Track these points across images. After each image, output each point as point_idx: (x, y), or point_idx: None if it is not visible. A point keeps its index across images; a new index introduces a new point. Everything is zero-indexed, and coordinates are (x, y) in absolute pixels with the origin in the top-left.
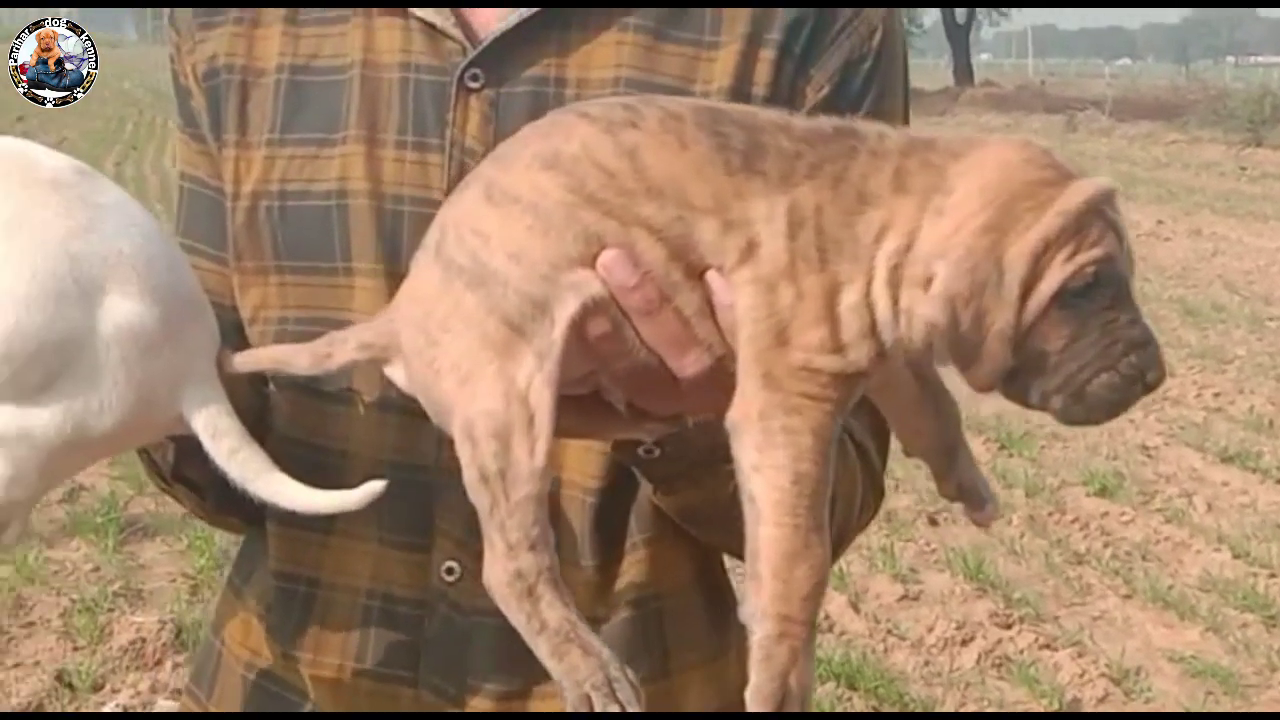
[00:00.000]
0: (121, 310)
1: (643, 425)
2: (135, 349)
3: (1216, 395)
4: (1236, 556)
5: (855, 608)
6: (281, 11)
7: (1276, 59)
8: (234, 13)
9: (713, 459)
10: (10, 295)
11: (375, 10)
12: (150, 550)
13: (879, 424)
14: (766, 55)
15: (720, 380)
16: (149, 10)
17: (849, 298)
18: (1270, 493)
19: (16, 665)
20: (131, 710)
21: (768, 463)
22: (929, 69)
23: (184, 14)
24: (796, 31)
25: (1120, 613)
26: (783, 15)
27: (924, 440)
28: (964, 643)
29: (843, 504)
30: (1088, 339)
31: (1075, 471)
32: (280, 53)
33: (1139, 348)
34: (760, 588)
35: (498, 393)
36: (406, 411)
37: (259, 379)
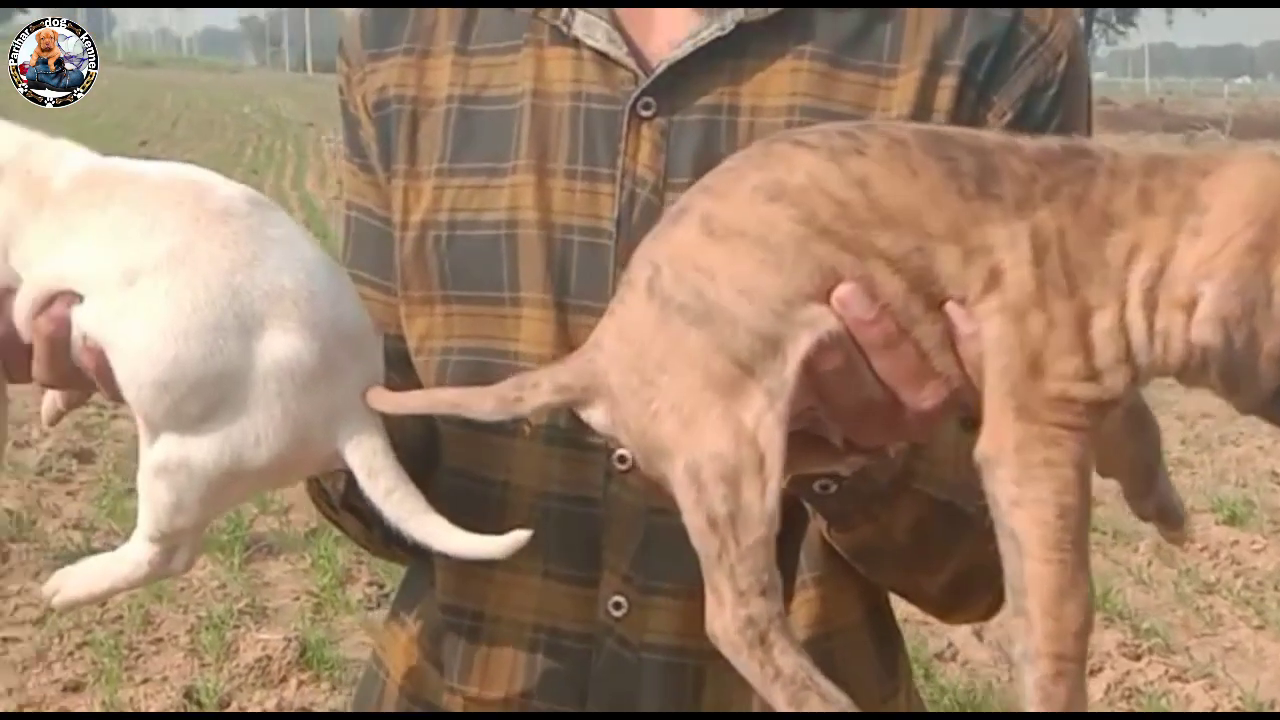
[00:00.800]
0: (279, 345)
1: (846, 459)
2: (292, 384)
3: None
4: None
5: (979, 636)
6: (452, 42)
7: None
8: (404, 43)
9: (890, 493)
10: (171, 327)
11: (546, 40)
12: (274, 568)
13: None
14: (948, 82)
15: (949, 412)
16: (267, 38)
17: (1102, 323)
18: None
19: (145, 681)
20: None
21: (1030, 497)
22: None
23: (354, 45)
24: (979, 58)
25: (1252, 644)
26: (965, 41)
27: (1124, 459)
28: (1092, 673)
29: None
30: None
31: (1204, 499)
32: (450, 83)
33: None
34: (1031, 627)
35: (725, 434)
36: (573, 444)
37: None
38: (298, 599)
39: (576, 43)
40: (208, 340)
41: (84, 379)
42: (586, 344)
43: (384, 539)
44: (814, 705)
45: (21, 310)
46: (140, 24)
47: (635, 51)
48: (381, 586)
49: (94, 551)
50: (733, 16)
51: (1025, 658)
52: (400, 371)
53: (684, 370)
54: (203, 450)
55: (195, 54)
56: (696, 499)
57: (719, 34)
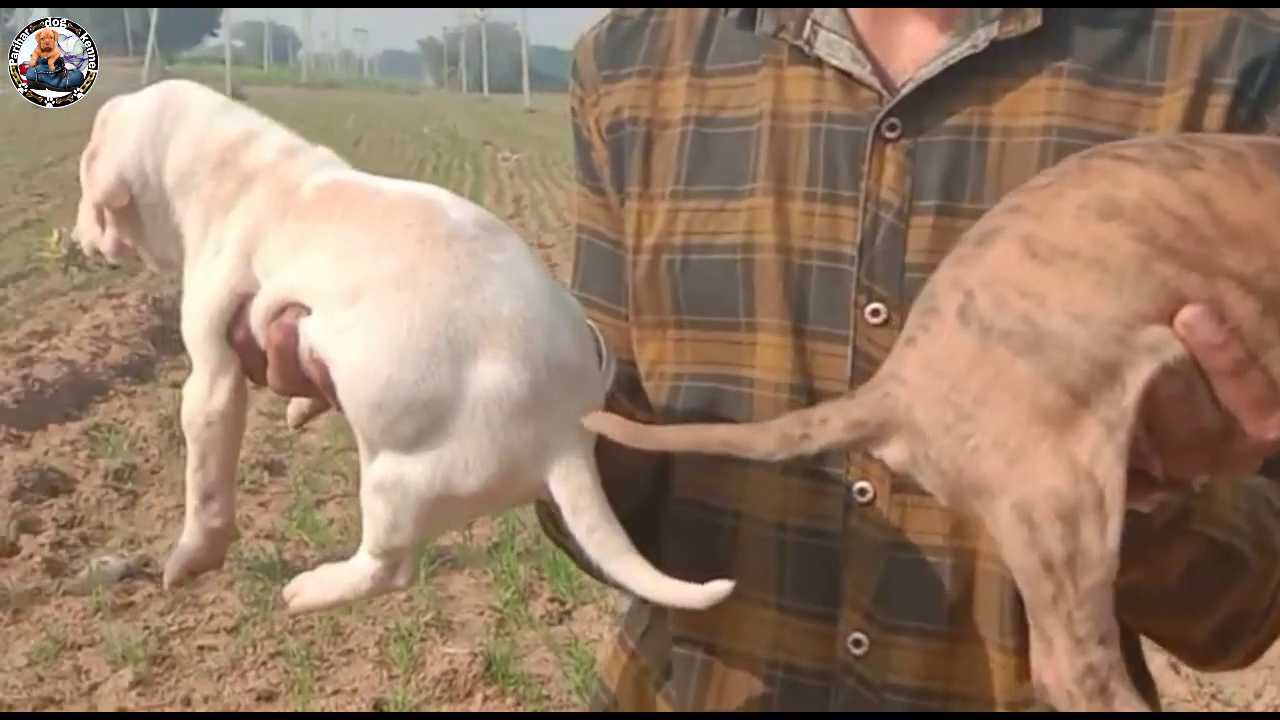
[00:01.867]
0: (489, 375)
1: (1151, 494)
2: (499, 414)
3: None
4: None
5: (1175, 669)
6: (688, 63)
7: None
8: (639, 65)
9: (1167, 534)
10: (387, 348)
11: (786, 60)
12: (458, 582)
13: None
14: (1219, 101)
15: None
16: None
17: None
18: None
19: (336, 693)
20: None
21: None
22: None
23: (588, 67)
24: (1253, 75)
25: None
26: (1236, 57)
27: None
28: None
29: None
30: None
31: None
32: (686, 104)
33: None
34: None
35: (1060, 470)
36: (812, 474)
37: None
38: (481, 613)
39: (818, 63)
40: (421, 364)
41: (314, 388)
42: (879, 376)
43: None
44: None
45: (256, 316)
46: (324, 47)
47: (879, 70)
48: (563, 603)
49: (285, 563)
50: (986, 34)
51: None
52: (630, 396)
53: (1008, 402)
54: (416, 471)
55: (376, 75)
56: (1028, 540)
57: (971, 52)
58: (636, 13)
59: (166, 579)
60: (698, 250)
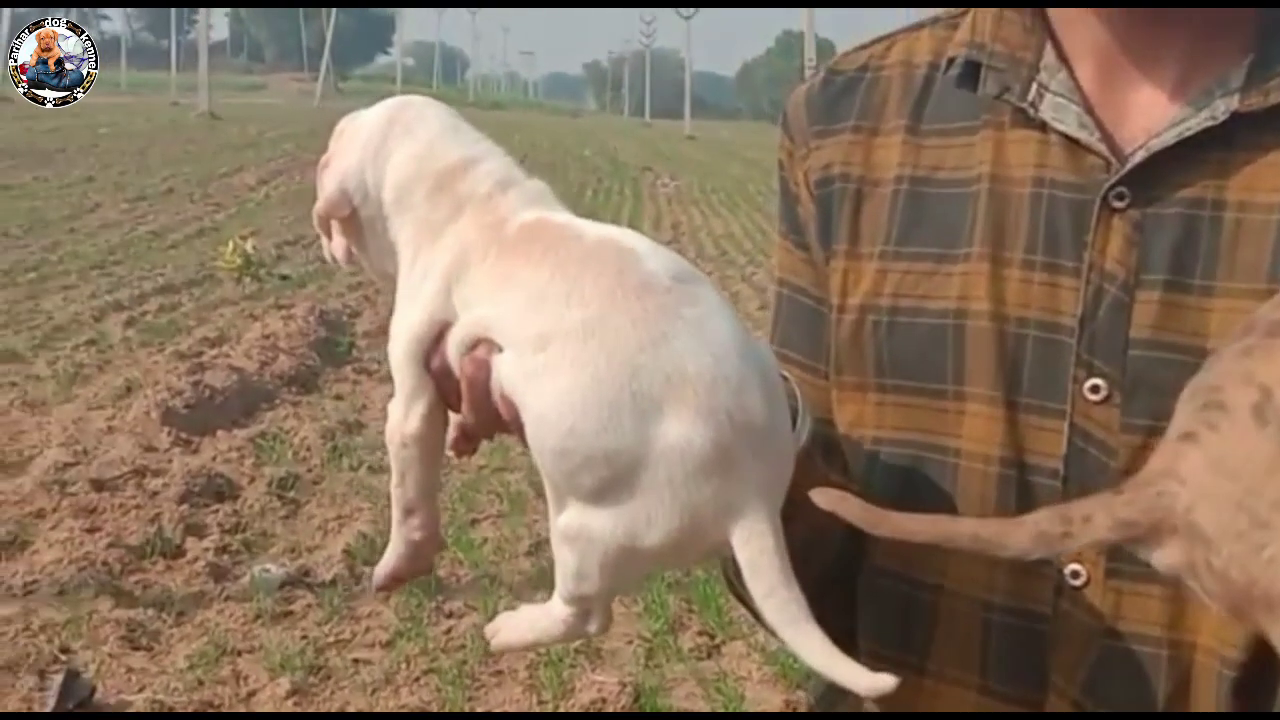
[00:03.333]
0: (673, 431)
1: None
2: (682, 471)
3: None
4: None
5: None
6: (903, 121)
7: None
8: (852, 121)
9: None
10: (570, 397)
11: (1008, 122)
12: None
13: None
14: None
15: None
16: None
17: None
18: None
19: (486, 714)
20: None
21: None
22: None
23: (799, 121)
24: None
25: None
26: None
27: None
28: None
29: None
30: None
31: None
32: (900, 163)
33: None
34: None
35: None
36: None
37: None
38: (630, 643)
39: (1043, 126)
40: (604, 416)
41: (506, 426)
42: (1150, 473)
43: None
44: None
45: (451, 347)
46: (490, 68)
47: (1107, 138)
48: (712, 636)
49: (440, 580)
50: (1226, 105)
51: None
52: (826, 455)
53: None
54: (599, 522)
55: (540, 97)
56: None
57: (1210, 123)
58: (852, 66)
59: (374, 584)
60: (906, 313)
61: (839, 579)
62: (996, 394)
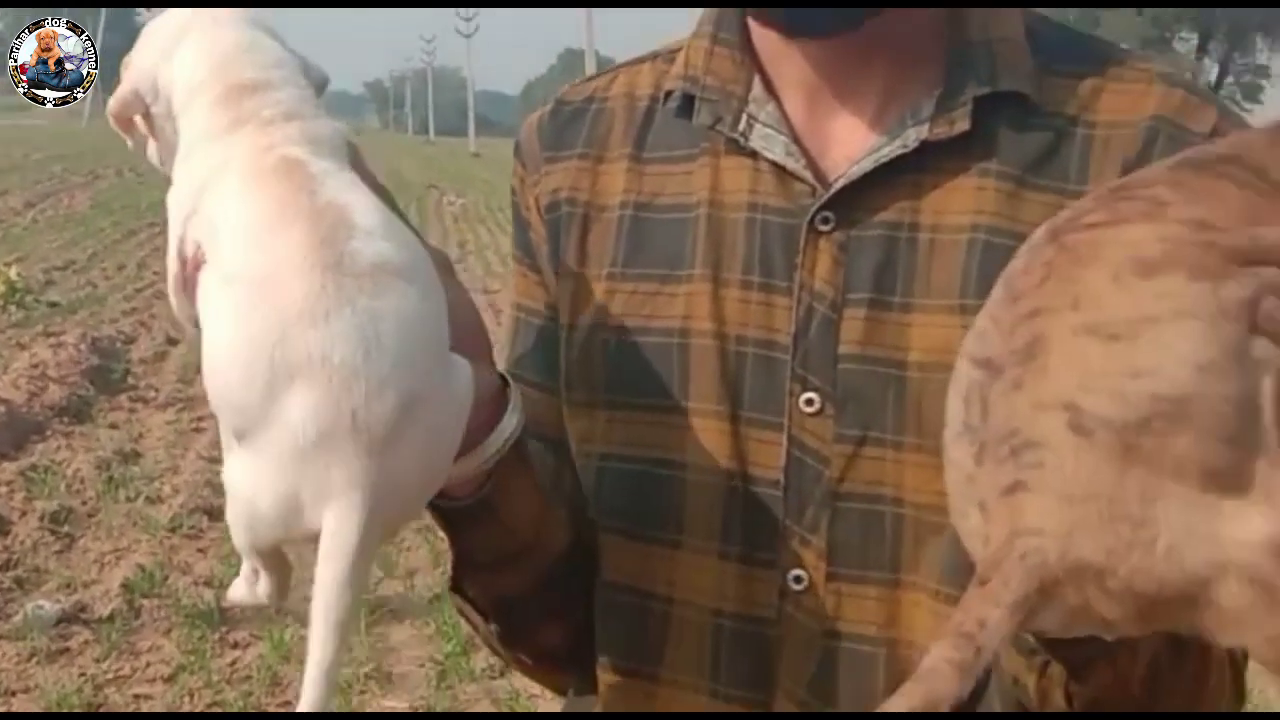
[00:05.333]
0: (295, 408)
1: None
2: (290, 448)
3: None
4: None
5: None
6: (627, 149)
7: None
8: (579, 149)
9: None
10: (226, 343)
11: (723, 151)
12: (399, 633)
13: None
14: None
15: None
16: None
17: None
18: None
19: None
20: None
21: None
22: None
23: (531, 147)
24: None
25: None
26: (1156, 162)
27: None
28: None
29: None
30: None
31: None
32: (625, 189)
33: None
34: None
35: (1262, 517)
36: (746, 560)
37: (577, 516)
38: (422, 665)
39: (754, 154)
40: (244, 371)
41: None
42: (997, 545)
43: (503, 636)
44: None
45: (185, 232)
46: None
47: (813, 165)
48: None
49: (223, 611)
50: (916, 134)
51: None
52: (555, 472)
53: (1178, 486)
54: (234, 472)
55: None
56: (1273, 601)
57: (902, 151)
58: (579, 97)
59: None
60: (633, 332)
61: (557, 584)
62: (720, 409)
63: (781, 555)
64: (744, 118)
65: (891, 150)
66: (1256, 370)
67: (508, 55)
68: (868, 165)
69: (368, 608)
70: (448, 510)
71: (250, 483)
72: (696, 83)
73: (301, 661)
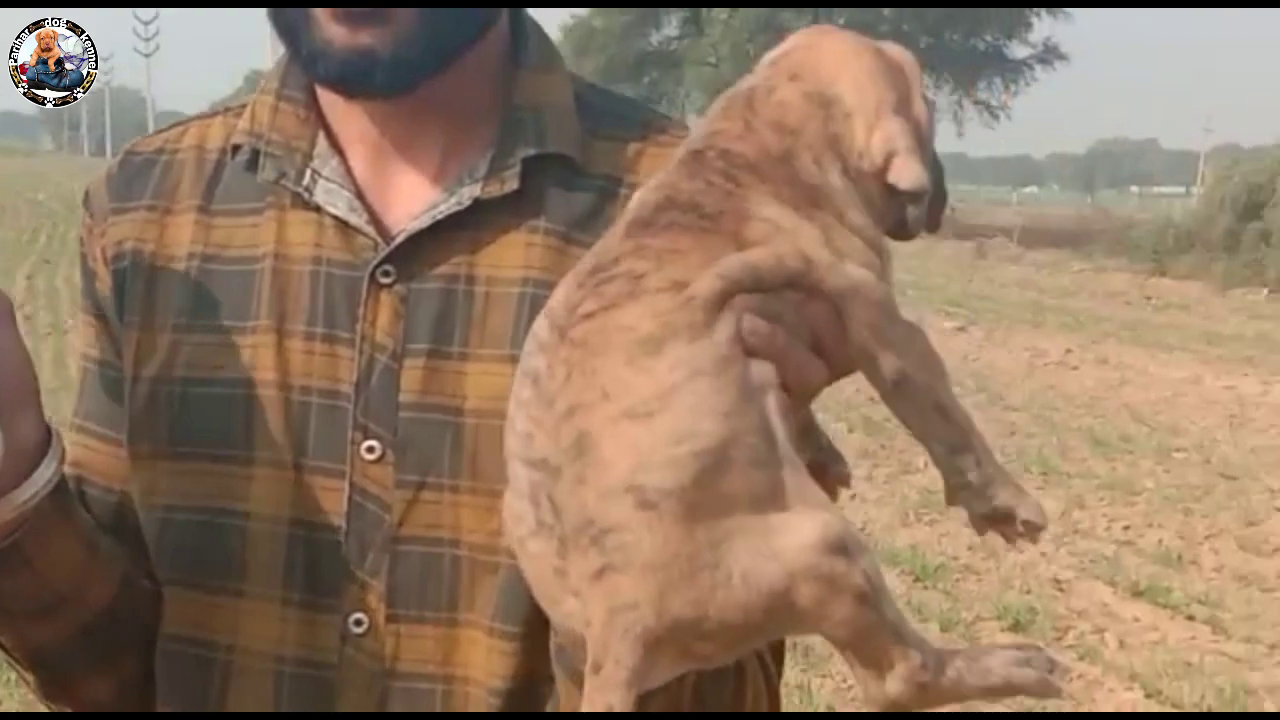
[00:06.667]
0: None
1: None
2: None
3: (1126, 528)
4: (1149, 695)
5: None
6: (195, 201)
7: (1179, 189)
8: (147, 200)
9: None
10: None
11: (289, 204)
12: None
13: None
14: None
15: None
16: (65, 120)
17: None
18: (1180, 629)
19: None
20: None
21: None
22: None
23: (99, 198)
24: None
25: None
26: None
27: None
28: None
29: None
30: None
31: (989, 606)
32: (192, 241)
33: None
34: None
35: (800, 524)
36: (308, 605)
37: (138, 569)
38: None
39: (319, 209)
40: None
41: None
42: (601, 628)
43: (44, 686)
44: (994, 659)
45: None
46: None
47: (376, 220)
48: None
49: None
50: (469, 193)
51: None
52: (117, 526)
53: (734, 523)
54: None
55: None
56: (826, 597)
57: (456, 208)
58: (149, 149)
59: None
60: (199, 384)
61: (99, 637)
62: (284, 458)
63: (343, 600)
64: (308, 173)
65: (448, 207)
66: (761, 394)
67: (190, 76)
68: (425, 221)
69: None
70: None
71: None
72: (261, 138)
73: None
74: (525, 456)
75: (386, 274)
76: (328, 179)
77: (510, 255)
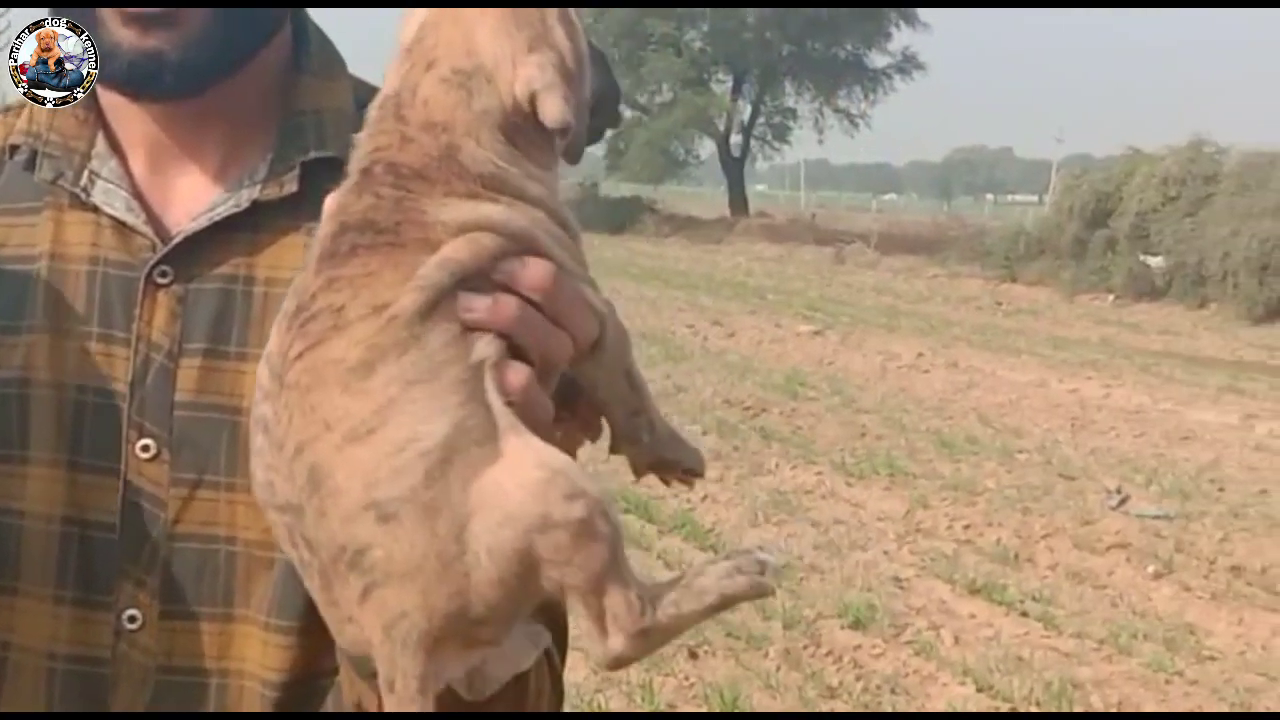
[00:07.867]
0: None
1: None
2: None
3: (966, 527)
4: (980, 690)
5: None
6: None
7: (1032, 198)
8: None
9: None
10: None
11: (67, 205)
12: None
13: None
14: None
15: None
16: None
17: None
18: (1014, 625)
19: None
20: None
21: None
22: (706, 199)
23: None
24: None
25: None
26: None
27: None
28: None
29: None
30: None
31: (831, 603)
32: None
33: None
34: None
35: (526, 483)
36: (82, 603)
37: None
38: None
39: (96, 209)
40: None
41: None
42: (380, 644)
43: None
44: (706, 579)
45: None
46: None
47: (154, 220)
48: None
49: None
50: (249, 195)
51: None
52: None
53: (463, 505)
54: None
55: None
56: (569, 531)
57: (235, 210)
58: None
59: None
60: None
61: None
62: (58, 457)
63: (118, 597)
64: (86, 173)
65: (227, 209)
66: (480, 371)
67: None
68: (204, 222)
69: None
70: None
71: None
72: (39, 138)
73: None
74: (272, 503)
75: (164, 274)
76: (106, 179)
77: (289, 256)
